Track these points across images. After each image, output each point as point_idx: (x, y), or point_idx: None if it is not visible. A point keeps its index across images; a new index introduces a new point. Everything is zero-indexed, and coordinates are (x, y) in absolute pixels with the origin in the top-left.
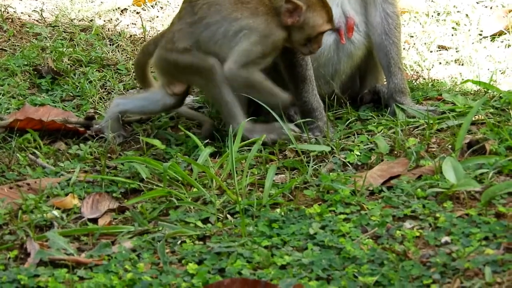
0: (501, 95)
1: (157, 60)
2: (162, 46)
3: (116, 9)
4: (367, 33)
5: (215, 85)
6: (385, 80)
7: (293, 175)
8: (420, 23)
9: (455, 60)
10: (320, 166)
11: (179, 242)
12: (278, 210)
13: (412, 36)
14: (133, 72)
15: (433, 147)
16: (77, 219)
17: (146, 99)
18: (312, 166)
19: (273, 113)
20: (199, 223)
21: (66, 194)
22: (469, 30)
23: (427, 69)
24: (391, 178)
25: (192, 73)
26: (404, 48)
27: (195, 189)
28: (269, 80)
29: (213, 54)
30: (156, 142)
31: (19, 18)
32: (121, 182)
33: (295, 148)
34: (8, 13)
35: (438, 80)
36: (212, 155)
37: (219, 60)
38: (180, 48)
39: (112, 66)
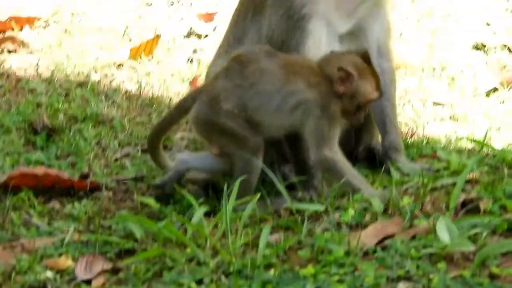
0: (495, 153)
1: (196, 116)
2: (204, 102)
3: (112, 64)
4: None
5: (244, 157)
6: (380, 136)
7: (287, 234)
8: (416, 79)
9: (450, 116)
10: (315, 225)
11: None
12: (272, 271)
13: (408, 92)
14: (155, 131)
15: (427, 206)
16: (71, 280)
17: (208, 158)
18: (307, 226)
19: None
20: (193, 285)
21: (60, 255)
22: (464, 86)
23: (422, 126)
24: (385, 238)
25: (228, 137)
26: (399, 104)
27: (189, 249)
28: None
29: (260, 122)
30: (151, 201)
31: (14, 73)
32: (115, 242)
33: (289, 207)
34: (3, 68)
35: (433, 137)
36: (207, 213)
37: (266, 130)
38: (224, 109)
39: (108, 123)
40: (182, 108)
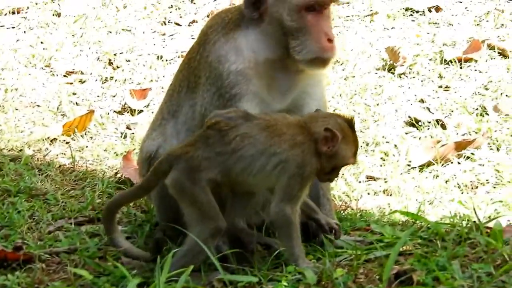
0: (429, 225)
1: (173, 182)
2: (183, 170)
3: (45, 139)
4: None
5: (202, 234)
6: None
7: None
8: None
9: (384, 190)
10: None
11: None
12: None
13: None
14: (124, 195)
15: (361, 278)
16: None
17: None
18: None
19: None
20: None
21: None
22: (397, 161)
23: (356, 200)
24: None
25: (196, 209)
26: None
27: None
28: None
29: (243, 183)
30: (84, 273)
31: None
32: None
33: (223, 278)
34: None
35: (366, 210)
36: (141, 285)
37: (250, 190)
38: (205, 178)
39: (41, 196)
40: (159, 171)
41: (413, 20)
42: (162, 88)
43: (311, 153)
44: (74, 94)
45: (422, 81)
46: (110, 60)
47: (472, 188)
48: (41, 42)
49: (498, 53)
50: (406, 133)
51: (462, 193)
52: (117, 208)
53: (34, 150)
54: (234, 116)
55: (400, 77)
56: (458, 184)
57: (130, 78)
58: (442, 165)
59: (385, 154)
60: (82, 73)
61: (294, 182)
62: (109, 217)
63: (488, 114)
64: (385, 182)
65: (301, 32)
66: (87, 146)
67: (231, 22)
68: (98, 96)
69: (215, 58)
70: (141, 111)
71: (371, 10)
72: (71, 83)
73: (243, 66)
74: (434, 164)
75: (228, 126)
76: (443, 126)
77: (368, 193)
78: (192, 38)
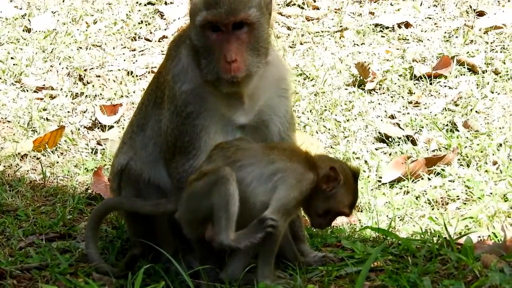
0: (399, 242)
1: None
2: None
3: (16, 155)
4: None
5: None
6: None
7: None
8: None
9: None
10: None
11: None
12: None
13: None
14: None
15: None
16: None
17: None
18: None
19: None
20: None
21: None
22: (368, 177)
23: None
24: None
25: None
26: None
27: None
28: None
29: (243, 197)
30: None
31: None
32: None
33: None
34: None
35: (337, 226)
36: None
37: (249, 202)
38: None
39: (12, 212)
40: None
41: (382, 36)
42: (133, 103)
43: (310, 176)
44: (44, 109)
45: (392, 97)
46: (80, 75)
47: (442, 204)
48: (12, 58)
49: (468, 69)
50: (377, 149)
51: (432, 209)
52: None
53: (4, 166)
54: (237, 139)
55: (370, 93)
56: (428, 200)
57: (101, 94)
58: (413, 181)
59: None
60: (52, 88)
61: (292, 195)
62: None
63: (458, 130)
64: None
65: (206, 52)
66: (57, 162)
67: (181, 41)
68: (68, 112)
69: (171, 77)
70: (112, 126)
71: (340, 26)
72: (41, 99)
73: (192, 86)
74: (404, 180)
75: (230, 145)
76: (413, 142)
77: None
78: (162, 54)
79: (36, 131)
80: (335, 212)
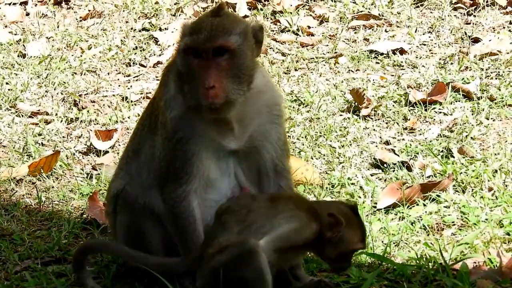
0: (395, 267)
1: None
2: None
3: (11, 179)
4: None
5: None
6: None
7: None
8: (315, 195)
9: None
10: None
11: None
12: None
13: None
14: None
15: None
16: None
17: None
18: None
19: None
20: None
21: None
22: (363, 202)
23: None
24: None
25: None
26: None
27: None
28: None
29: None
30: None
31: None
32: None
33: None
34: None
35: None
36: None
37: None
38: None
39: (7, 236)
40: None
41: (377, 62)
42: (128, 129)
43: (313, 220)
44: (39, 134)
45: (387, 123)
46: (75, 101)
47: (438, 230)
48: (7, 83)
49: (463, 95)
50: (372, 175)
51: (428, 235)
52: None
53: (0, 190)
54: (242, 198)
55: (365, 119)
56: (424, 226)
57: (96, 119)
58: (408, 207)
59: (351, 195)
60: (47, 113)
61: (292, 238)
62: (82, 256)
63: (453, 156)
64: None
65: (189, 78)
66: (53, 187)
67: (171, 67)
68: (63, 137)
69: (163, 103)
70: (107, 152)
71: (335, 52)
72: (36, 124)
73: (180, 113)
74: (399, 206)
75: (239, 206)
76: (409, 168)
77: None
78: (157, 80)
79: (32, 156)
80: (349, 252)
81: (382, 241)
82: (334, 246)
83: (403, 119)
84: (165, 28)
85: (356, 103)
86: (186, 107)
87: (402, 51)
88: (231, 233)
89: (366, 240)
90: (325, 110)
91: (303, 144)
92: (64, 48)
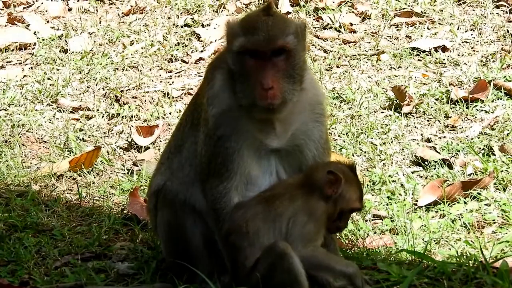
0: (435, 265)
1: None
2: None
3: (52, 175)
4: None
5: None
6: None
7: None
8: None
9: (390, 229)
10: None
11: None
12: None
13: None
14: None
15: None
16: None
17: None
18: None
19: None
20: None
21: None
22: (404, 200)
23: (362, 238)
24: None
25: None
26: None
27: None
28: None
29: None
30: None
31: None
32: None
33: None
34: None
35: (372, 249)
36: None
37: None
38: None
39: (48, 232)
40: None
41: (419, 60)
42: (169, 125)
43: (315, 198)
44: (80, 130)
45: (428, 120)
46: (116, 96)
47: (478, 228)
48: (48, 78)
49: (505, 93)
50: (413, 172)
51: (468, 232)
52: None
53: (40, 186)
54: (234, 213)
55: (407, 117)
56: (464, 223)
57: (137, 115)
58: (449, 204)
59: (392, 193)
60: (88, 109)
61: (308, 228)
62: None
63: (494, 154)
64: (392, 221)
65: (242, 78)
66: (93, 182)
67: (217, 64)
68: (104, 133)
69: (206, 100)
70: (148, 148)
71: (377, 50)
72: (78, 119)
73: (222, 110)
74: (440, 203)
75: (236, 222)
76: (450, 166)
77: (375, 232)
78: (199, 76)
79: (72, 152)
80: (347, 210)
81: (423, 239)
82: (333, 204)
83: (444, 116)
84: (207, 24)
85: (397, 101)
86: (231, 104)
87: (444, 49)
88: (243, 249)
89: (363, 200)
90: (366, 107)
91: (344, 141)
92: (106, 43)
